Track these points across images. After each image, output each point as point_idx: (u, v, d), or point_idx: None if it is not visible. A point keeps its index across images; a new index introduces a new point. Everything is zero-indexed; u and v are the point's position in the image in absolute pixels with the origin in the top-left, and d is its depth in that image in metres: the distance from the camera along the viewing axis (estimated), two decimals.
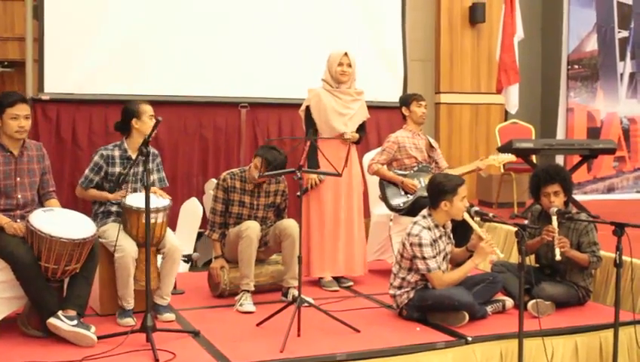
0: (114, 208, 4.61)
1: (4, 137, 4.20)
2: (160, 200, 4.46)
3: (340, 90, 5.50)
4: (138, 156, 4.24)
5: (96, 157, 4.61)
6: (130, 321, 4.34)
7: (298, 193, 4.44)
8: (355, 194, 5.58)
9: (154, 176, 4.73)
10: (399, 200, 5.66)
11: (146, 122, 4.59)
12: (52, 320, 3.96)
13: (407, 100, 5.89)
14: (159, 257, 4.60)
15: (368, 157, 6.15)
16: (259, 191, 5.12)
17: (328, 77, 5.53)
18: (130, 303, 4.41)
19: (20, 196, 4.23)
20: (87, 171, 4.62)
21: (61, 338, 3.97)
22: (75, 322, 3.95)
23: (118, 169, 4.59)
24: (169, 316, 4.51)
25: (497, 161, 6.01)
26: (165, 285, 4.54)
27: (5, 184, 4.17)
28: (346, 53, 5.47)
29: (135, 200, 4.37)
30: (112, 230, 4.42)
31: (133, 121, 4.61)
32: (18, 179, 4.22)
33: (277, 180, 5.16)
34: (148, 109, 4.64)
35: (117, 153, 4.62)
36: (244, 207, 5.09)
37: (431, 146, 5.91)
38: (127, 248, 4.31)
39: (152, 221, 4.26)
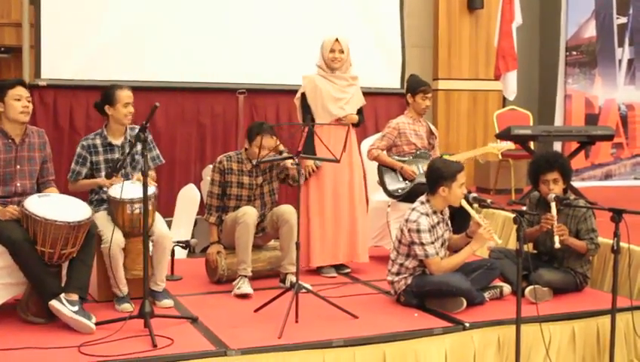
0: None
1: (5, 123, 4.19)
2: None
3: (334, 75, 5.48)
4: (135, 143, 4.23)
5: (78, 149, 4.59)
6: (128, 307, 4.35)
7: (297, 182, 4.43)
8: (356, 179, 5.57)
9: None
10: (397, 186, 5.66)
11: (119, 110, 4.53)
12: (54, 303, 3.95)
13: (414, 89, 5.81)
14: (150, 244, 4.59)
15: (367, 142, 6.14)
16: (256, 170, 5.11)
17: (322, 63, 5.50)
18: (123, 290, 4.42)
19: (18, 184, 4.22)
20: (72, 164, 4.60)
21: (60, 324, 3.98)
22: (76, 308, 3.95)
23: (101, 157, 4.58)
24: (167, 302, 4.51)
25: (496, 148, 6.01)
26: (159, 272, 4.54)
27: (5, 172, 4.17)
28: (337, 39, 5.43)
29: (118, 190, 4.31)
30: (100, 219, 4.42)
31: (106, 107, 4.57)
32: (18, 166, 4.21)
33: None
34: (123, 97, 4.53)
35: (98, 141, 4.60)
36: (243, 188, 5.09)
37: (431, 133, 5.90)
38: (113, 238, 4.28)
39: (137, 211, 4.28)
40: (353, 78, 5.57)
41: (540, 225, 4.81)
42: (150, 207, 4.39)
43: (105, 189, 4.56)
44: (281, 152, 4.87)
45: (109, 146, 4.60)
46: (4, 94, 4.15)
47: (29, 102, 4.22)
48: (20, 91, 4.17)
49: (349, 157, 5.41)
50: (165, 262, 4.60)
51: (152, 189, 4.46)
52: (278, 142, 5.04)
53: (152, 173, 4.69)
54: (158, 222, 4.57)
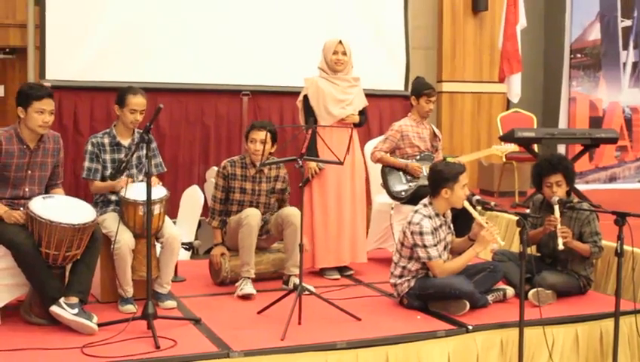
0: (113, 197, 4.59)
1: (24, 129, 4.17)
2: (157, 190, 4.42)
3: (336, 77, 5.48)
4: (138, 144, 4.24)
5: (89, 147, 4.58)
6: (131, 308, 4.36)
7: (300, 184, 4.43)
8: (358, 181, 5.57)
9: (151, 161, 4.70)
10: (401, 188, 5.66)
11: (125, 114, 4.54)
12: (54, 308, 3.97)
13: (418, 92, 5.80)
14: (158, 246, 4.60)
15: (371, 145, 6.14)
16: (260, 176, 5.12)
17: (324, 65, 5.51)
18: (128, 292, 4.42)
19: (27, 189, 4.22)
20: (86, 163, 4.57)
21: (63, 325, 3.98)
22: (76, 310, 3.95)
23: (108, 156, 4.58)
24: (170, 303, 4.52)
25: (500, 151, 6.00)
26: (165, 274, 4.55)
27: (16, 176, 4.17)
28: (340, 42, 5.43)
29: (132, 192, 4.35)
30: (110, 220, 4.43)
31: (116, 107, 4.59)
32: (29, 172, 4.21)
33: (277, 165, 5.18)
34: (133, 102, 4.52)
35: (106, 140, 4.60)
36: (245, 193, 5.10)
37: (435, 135, 5.90)
38: (123, 239, 4.30)
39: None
40: (355, 80, 5.57)
41: (543, 227, 4.81)
42: (162, 210, 4.42)
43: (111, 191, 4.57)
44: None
45: (116, 146, 4.60)
46: (29, 104, 4.11)
47: (51, 114, 4.19)
48: (44, 105, 4.13)
49: (351, 159, 5.41)
50: (173, 264, 4.61)
51: (163, 191, 4.47)
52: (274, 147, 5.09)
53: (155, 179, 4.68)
54: (168, 223, 4.58)
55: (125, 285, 4.40)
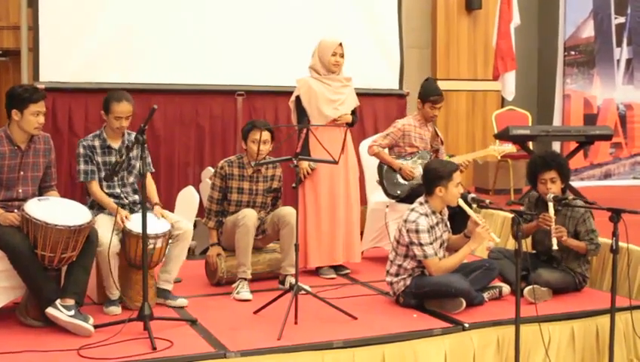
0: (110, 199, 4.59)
1: (15, 130, 4.18)
2: (160, 224, 4.42)
3: (329, 78, 5.48)
4: (133, 145, 4.23)
5: (81, 150, 4.55)
6: (115, 310, 4.37)
7: (293, 185, 4.42)
8: (351, 181, 5.58)
9: (140, 163, 4.66)
10: (397, 186, 5.66)
11: (110, 120, 4.52)
12: (50, 310, 3.97)
13: (425, 97, 5.72)
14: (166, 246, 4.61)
15: (365, 144, 6.13)
16: (257, 176, 5.13)
17: (318, 65, 5.49)
18: (113, 294, 4.40)
19: (21, 190, 4.23)
20: (82, 166, 4.54)
21: (59, 327, 3.98)
22: (72, 312, 3.95)
23: (100, 159, 4.57)
24: (182, 301, 4.55)
25: (497, 151, 5.99)
26: (175, 268, 4.60)
27: (8, 177, 4.17)
28: (340, 44, 5.43)
29: (135, 224, 4.32)
30: (100, 222, 4.39)
31: (102, 112, 4.58)
32: (22, 173, 4.22)
33: (274, 165, 5.18)
34: (117, 110, 4.48)
35: (97, 143, 4.58)
36: (243, 193, 5.10)
37: (436, 135, 5.90)
38: (104, 243, 4.26)
39: (151, 246, 4.24)
40: (347, 80, 5.57)
41: (536, 222, 4.81)
42: (162, 244, 4.41)
43: (108, 194, 4.56)
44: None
45: (107, 149, 4.59)
46: (25, 106, 4.13)
47: (44, 115, 4.22)
48: (39, 107, 4.16)
49: (344, 158, 5.40)
50: (183, 258, 4.63)
51: (166, 227, 4.46)
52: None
53: (162, 210, 4.65)
54: (181, 218, 4.63)
55: (109, 288, 4.39)
